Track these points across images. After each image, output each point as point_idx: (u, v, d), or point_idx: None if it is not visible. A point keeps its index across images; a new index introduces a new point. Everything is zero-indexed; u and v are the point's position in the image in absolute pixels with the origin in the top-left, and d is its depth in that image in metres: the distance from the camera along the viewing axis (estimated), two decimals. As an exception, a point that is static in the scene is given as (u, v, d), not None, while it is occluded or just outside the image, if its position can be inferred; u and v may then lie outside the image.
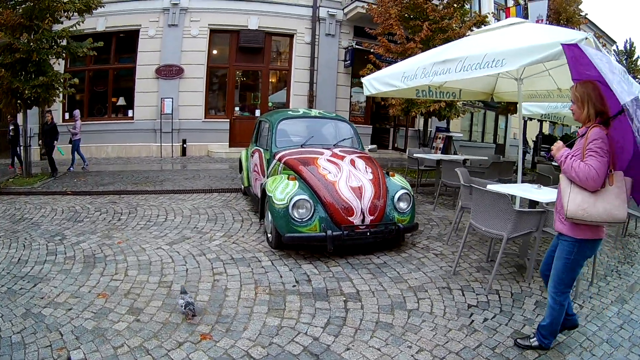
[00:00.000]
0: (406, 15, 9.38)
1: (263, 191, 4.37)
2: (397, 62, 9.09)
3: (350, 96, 12.89)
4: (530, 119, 12.32)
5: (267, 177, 4.72)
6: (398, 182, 4.46)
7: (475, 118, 17.02)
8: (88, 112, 11.34)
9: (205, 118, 11.54)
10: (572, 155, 2.26)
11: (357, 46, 11.72)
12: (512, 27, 4.43)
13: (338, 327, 2.74)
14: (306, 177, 4.09)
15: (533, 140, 14.95)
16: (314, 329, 2.72)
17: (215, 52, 11.79)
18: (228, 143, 11.69)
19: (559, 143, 2.39)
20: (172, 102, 10.96)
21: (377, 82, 5.33)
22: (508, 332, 2.80)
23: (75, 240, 4.33)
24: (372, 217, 3.98)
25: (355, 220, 3.90)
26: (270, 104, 12.06)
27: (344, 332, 2.69)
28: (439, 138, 12.37)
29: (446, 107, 9.42)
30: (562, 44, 2.43)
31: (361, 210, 3.93)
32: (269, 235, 4.20)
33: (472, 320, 2.93)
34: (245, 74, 12.57)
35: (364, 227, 3.93)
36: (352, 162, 4.48)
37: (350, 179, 4.12)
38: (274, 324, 2.75)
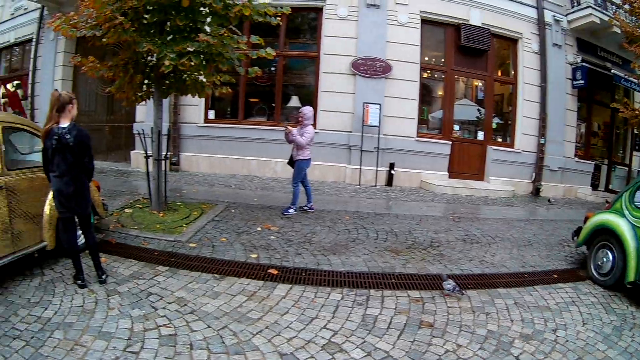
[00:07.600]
0: None
1: None
2: None
3: (578, 125, 10.22)
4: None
5: None
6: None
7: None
8: (245, 113, 8.85)
9: (418, 137, 8.46)
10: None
11: (585, 64, 9.27)
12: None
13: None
14: None
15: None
16: None
17: (428, 49, 8.80)
18: (447, 173, 8.56)
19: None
20: (379, 110, 7.92)
21: None
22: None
23: None
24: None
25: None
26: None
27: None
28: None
29: None
30: None
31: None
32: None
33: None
34: (465, 81, 9.50)
35: None
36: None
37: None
38: None
